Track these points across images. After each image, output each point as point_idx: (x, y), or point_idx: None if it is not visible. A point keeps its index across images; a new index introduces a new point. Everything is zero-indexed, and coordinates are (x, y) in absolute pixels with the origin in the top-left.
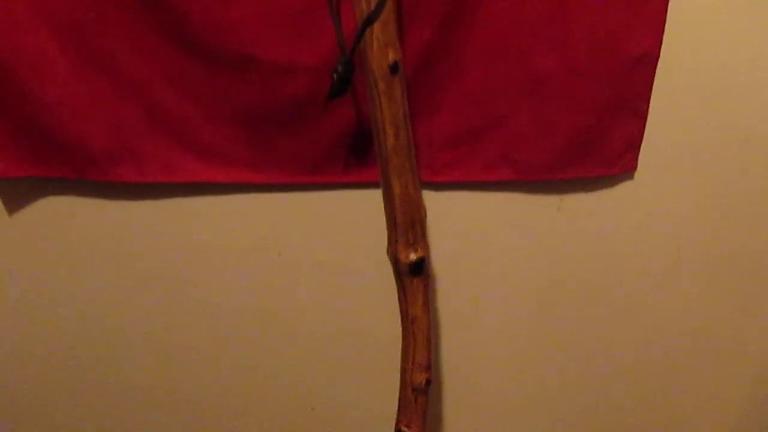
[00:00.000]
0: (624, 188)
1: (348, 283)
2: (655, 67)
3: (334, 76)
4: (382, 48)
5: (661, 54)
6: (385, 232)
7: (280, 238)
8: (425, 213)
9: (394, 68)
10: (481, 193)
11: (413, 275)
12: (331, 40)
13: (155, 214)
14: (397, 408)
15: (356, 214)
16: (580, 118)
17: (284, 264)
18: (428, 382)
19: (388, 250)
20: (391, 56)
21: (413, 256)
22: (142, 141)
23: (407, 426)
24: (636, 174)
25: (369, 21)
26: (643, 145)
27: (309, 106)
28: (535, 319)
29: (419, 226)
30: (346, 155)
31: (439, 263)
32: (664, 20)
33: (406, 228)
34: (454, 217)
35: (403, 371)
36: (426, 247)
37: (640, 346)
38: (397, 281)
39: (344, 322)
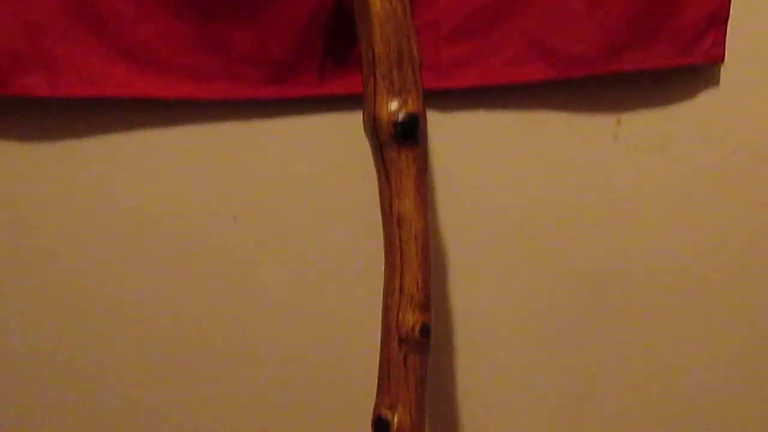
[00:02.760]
0: (707, 105)
1: (329, 259)
2: None
3: None
4: None
5: None
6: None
7: (235, 184)
8: (420, 58)
9: None
10: (507, 114)
11: (400, 142)
12: None
13: (69, 143)
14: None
15: (338, 142)
16: None
17: (242, 229)
18: (426, 329)
19: (363, 115)
20: None
21: (400, 112)
22: (58, 42)
23: (390, 408)
24: (723, 82)
25: None
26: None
27: None
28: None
29: (410, 66)
30: (321, 55)
31: (443, 214)
32: None
33: (390, 66)
34: (466, 148)
35: (386, 311)
36: (419, 99)
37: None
38: (376, 161)
39: (324, 317)
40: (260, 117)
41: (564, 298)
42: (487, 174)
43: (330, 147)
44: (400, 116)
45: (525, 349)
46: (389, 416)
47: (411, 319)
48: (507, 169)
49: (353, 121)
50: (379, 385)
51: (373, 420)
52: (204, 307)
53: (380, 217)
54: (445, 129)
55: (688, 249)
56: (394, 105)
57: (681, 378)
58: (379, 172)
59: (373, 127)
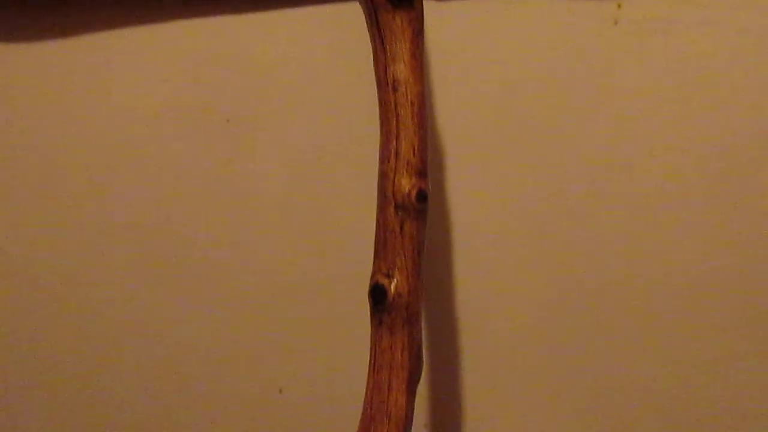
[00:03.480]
0: None
1: (325, 151)
2: None
3: None
4: None
5: None
6: None
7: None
8: None
9: None
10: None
11: (395, 4)
12: None
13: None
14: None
15: (330, 31)
16: None
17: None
18: (422, 195)
19: None
20: None
21: None
22: None
23: (387, 275)
24: None
25: None
26: None
27: None
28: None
29: None
30: None
31: (438, 94)
32: None
33: None
34: (462, 32)
35: (381, 177)
36: None
37: None
38: (370, 26)
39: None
40: (249, 10)
41: (562, 184)
42: (485, 59)
43: (321, 37)
44: None
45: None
46: (386, 283)
47: (407, 184)
48: (505, 54)
49: (342, 10)
50: (375, 253)
51: (370, 287)
52: (196, 208)
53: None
54: (441, 12)
55: (688, 132)
56: None
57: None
58: (373, 38)
59: None
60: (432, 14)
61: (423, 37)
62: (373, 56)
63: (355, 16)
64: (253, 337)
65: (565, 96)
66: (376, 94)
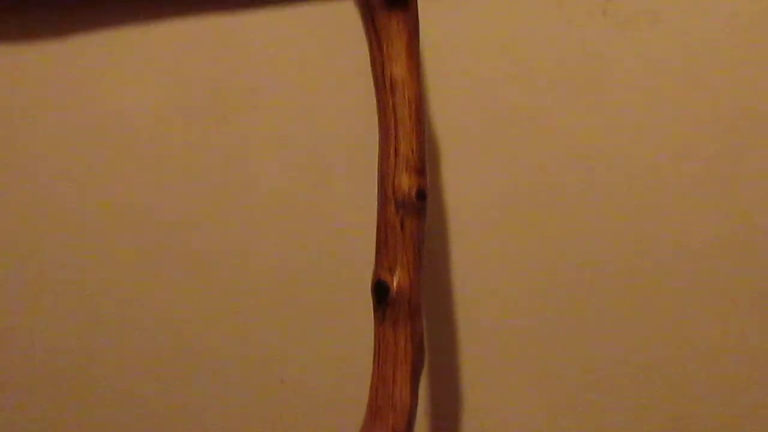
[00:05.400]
0: None
1: (323, 147)
2: None
3: None
4: None
5: None
6: None
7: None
8: None
9: None
10: None
11: (391, 5)
12: None
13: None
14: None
15: (326, 31)
16: None
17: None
18: (421, 192)
19: None
20: None
21: None
22: None
23: (390, 271)
24: None
25: None
26: None
27: None
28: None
29: None
30: None
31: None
32: None
33: None
34: (452, 23)
35: (381, 177)
36: None
37: None
38: (367, 28)
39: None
40: (244, 9)
41: (555, 177)
42: (474, 51)
43: (318, 35)
44: None
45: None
46: (388, 279)
47: (407, 182)
48: (494, 47)
49: (338, 9)
50: (377, 250)
51: (373, 284)
52: (196, 204)
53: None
54: (432, 9)
55: (679, 122)
56: None
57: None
58: (370, 39)
59: None
60: (422, 11)
61: (418, 37)
62: (370, 57)
63: (353, 14)
64: (257, 333)
65: (555, 88)
66: (374, 94)
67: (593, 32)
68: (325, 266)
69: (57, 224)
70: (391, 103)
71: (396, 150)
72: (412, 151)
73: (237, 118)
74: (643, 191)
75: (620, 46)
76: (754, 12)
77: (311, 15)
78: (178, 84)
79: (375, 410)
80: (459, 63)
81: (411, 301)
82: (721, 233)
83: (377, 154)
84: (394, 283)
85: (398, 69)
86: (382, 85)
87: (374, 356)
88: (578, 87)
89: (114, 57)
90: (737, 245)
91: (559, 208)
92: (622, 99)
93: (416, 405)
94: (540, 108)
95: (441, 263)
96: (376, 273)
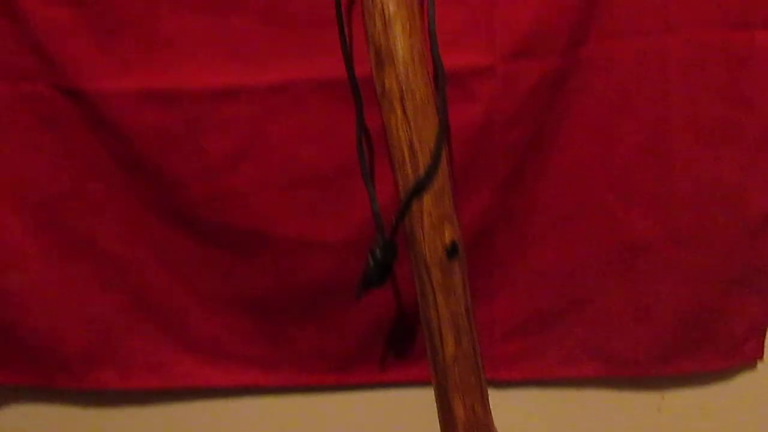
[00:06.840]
0: (745, 381)
1: None
2: None
3: (371, 261)
4: (435, 225)
5: None
6: None
7: None
8: None
9: (452, 251)
10: (557, 391)
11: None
12: (364, 212)
13: (142, 427)
14: None
15: (399, 420)
16: (687, 299)
17: None
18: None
19: None
20: (448, 236)
21: None
22: (126, 337)
23: None
24: (761, 364)
25: (418, 189)
26: None
27: (334, 293)
28: None
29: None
30: (383, 350)
31: None
32: None
33: None
34: (522, 423)
35: None
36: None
37: None
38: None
39: None
40: (321, 404)
41: None
42: None
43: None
44: None
45: None
46: None
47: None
48: None
49: (413, 401)
50: None
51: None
52: None
53: None
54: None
55: None
56: None
57: None
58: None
59: None
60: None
61: None
62: None
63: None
64: None
65: None
66: None
67: (649, 428)
68: None
69: None
70: None
71: None
72: None
73: None
74: None
75: None
76: None
77: (385, 404)
78: None
79: None
80: None
81: None
82: None
83: None
84: None
85: None
86: None
87: None
88: None
89: None
90: None
91: None
92: None
93: None
94: None
95: None
96: None
